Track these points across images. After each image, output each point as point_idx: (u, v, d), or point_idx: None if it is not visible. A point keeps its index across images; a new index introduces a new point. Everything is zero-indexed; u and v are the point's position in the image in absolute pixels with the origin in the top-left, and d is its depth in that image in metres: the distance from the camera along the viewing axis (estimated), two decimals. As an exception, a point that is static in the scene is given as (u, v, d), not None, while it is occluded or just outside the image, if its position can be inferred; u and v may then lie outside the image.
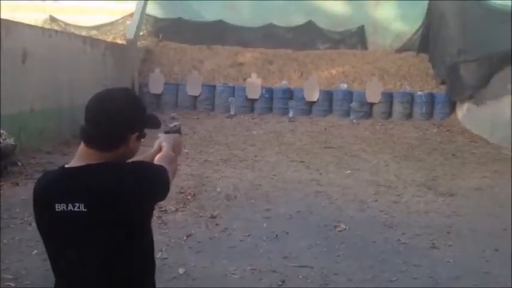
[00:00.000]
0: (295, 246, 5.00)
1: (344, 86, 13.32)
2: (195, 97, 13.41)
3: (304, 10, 15.84)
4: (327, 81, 13.85)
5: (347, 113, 12.93)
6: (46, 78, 9.03)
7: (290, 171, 8.16)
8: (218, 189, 6.87)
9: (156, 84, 13.45)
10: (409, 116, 12.94)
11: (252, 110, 13.30)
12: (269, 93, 13.24)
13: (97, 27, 15.50)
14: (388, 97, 13.01)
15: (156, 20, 16.09)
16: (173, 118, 10.88)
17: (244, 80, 13.67)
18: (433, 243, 5.17)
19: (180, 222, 5.54)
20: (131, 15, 15.01)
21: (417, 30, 15.00)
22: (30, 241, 4.71)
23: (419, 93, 13.04)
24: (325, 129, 11.90)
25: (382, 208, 6.34)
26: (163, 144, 2.06)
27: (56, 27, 14.09)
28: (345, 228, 5.54)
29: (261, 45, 15.42)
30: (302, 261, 4.61)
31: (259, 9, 15.83)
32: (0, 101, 7.53)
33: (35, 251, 4.49)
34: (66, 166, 1.65)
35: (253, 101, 13.28)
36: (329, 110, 13.13)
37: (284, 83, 13.62)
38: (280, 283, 4.16)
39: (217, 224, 5.56)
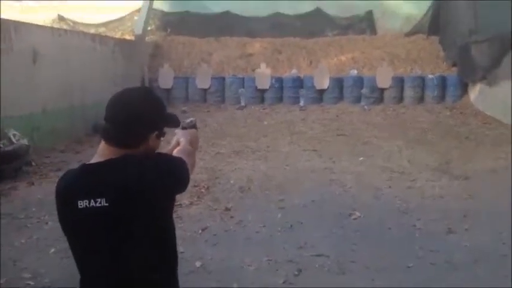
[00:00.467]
0: (310, 235, 5.00)
1: (354, 72, 13.24)
2: (205, 90, 13.43)
3: (311, -3, 15.71)
4: (337, 68, 13.77)
5: (358, 100, 12.86)
6: (57, 78, 9.10)
7: (303, 161, 8.15)
8: (232, 182, 6.89)
9: (165, 78, 13.48)
10: (421, 100, 12.83)
11: (262, 100, 13.28)
12: (279, 83, 13.20)
13: (105, 24, 15.57)
14: (399, 82, 12.91)
15: (164, 14, 16.09)
16: (184, 112, 10.91)
17: (254, 70, 13.64)
18: (449, 228, 5.13)
19: (195, 216, 5.56)
20: (138, 10, 15.02)
21: (426, 13, 14.81)
22: (47, 240, 4.77)
23: (430, 76, 12.91)
24: (337, 116, 11.85)
25: (397, 194, 6.31)
26: (181, 139, 2.07)
27: (65, 26, 14.17)
28: (360, 216, 5.52)
29: (269, 34, 15.33)
30: (318, 250, 4.60)
31: (266, -2, 15.74)
32: (13, 102, 7.62)
33: (53, 250, 4.55)
34: (87, 163, 1.67)
35: (263, 91, 13.26)
36: (340, 97, 13.08)
37: (294, 71, 13.56)
38: (296, 273, 4.17)
39: (232, 217, 5.57)
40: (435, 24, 14.22)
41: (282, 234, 5.08)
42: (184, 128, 2.16)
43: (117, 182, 1.58)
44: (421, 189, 6.51)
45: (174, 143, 2.10)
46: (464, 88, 12.71)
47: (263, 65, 13.46)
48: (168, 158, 1.79)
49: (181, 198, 5.83)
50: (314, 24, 15.69)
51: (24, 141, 7.25)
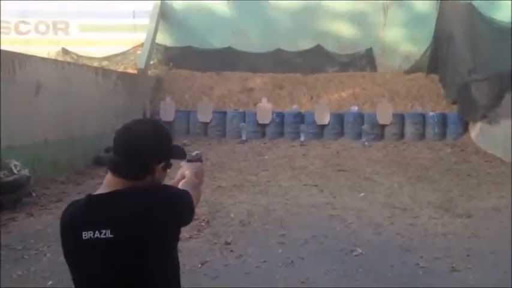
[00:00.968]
0: (311, 271, 4.92)
1: (355, 108, 13.33)
2: (206, 123, 13.50)
3: (312, 34, 16.00)
4: (338, 104, 13.88)
5: (359, 136, 12.91)
6: (59, 109, 9.15)
7: (304, 196, 8.10)
8: (232, 215, 6.83)
9: (167, 111, 13.57)
10: (422, 136, 12.88)
11: (263, 134, 13.33)
12: (280, 118, 13.28)
13: (108, 58, 15.78)
14: (400, 118, 12.99)
15: (166, 48, 16.33)
16: (185, 145, 10.92)
17: (255, 105, 13.75)
18: (453, 267, 5.05)
19: (195, 250, 5.49)
20: (142, 45, 15.24)
21: (425, 51, 15.05)
22: (45, 272, 4.69)
23: (431, 113, 12.99)
24: (337, 152, 11.85)
25: (399, 231, 6.24)
26: (186, 172, 2.08)
27: (69, 59, 14.36)
28: (362, 253, 5.45)
29: (270, 70, 15.56)
30: (319, 287, 4.52)
31: (268, 34, 16.02)
32: (15, 133, 7.63)
33: (50, 282, 4.47)
34: (93, 194, 1.66)
35: (264, 125, 13.32)
36: (340, 133, 13.13)
37: (295, 107, 13.66)
38: (298, 310, 4.09)
39: (231, 251, 5.50)
40: (434, 62, 14.42)
41: (283, 269, 5.00)
42: (189, 161, 2.16)
43: (122, 213, 1.57)
44: (423, 227, 6.43)
45: (179, 176, 2.10)
46: (464, 126, 12.78)
47: (264, 100, 13.57)
48: (174, 191, 1.79)
49: (181, 232, 5.75)
50: (315, 60, 15.92)
51: (25, 172, 7.21)
